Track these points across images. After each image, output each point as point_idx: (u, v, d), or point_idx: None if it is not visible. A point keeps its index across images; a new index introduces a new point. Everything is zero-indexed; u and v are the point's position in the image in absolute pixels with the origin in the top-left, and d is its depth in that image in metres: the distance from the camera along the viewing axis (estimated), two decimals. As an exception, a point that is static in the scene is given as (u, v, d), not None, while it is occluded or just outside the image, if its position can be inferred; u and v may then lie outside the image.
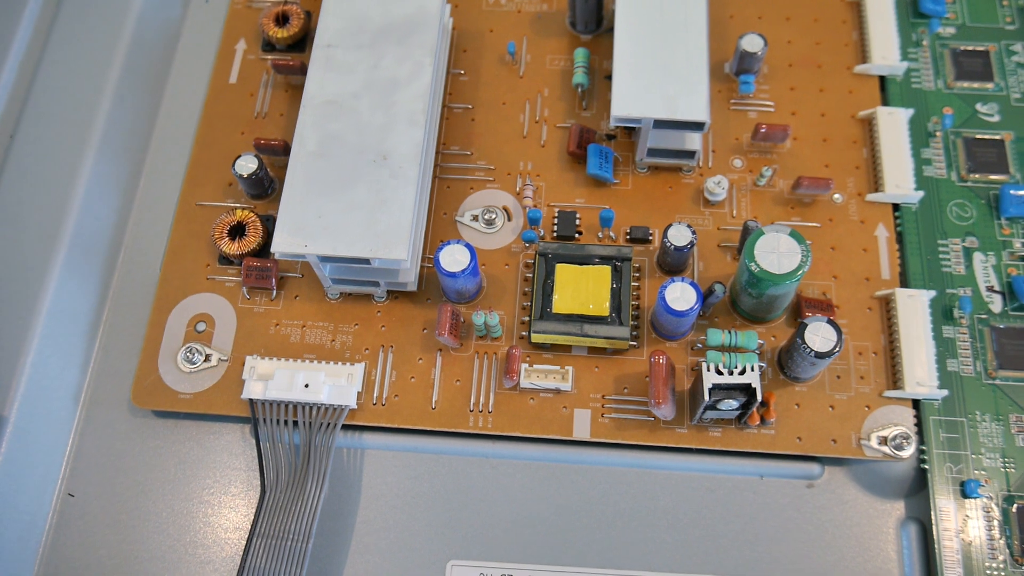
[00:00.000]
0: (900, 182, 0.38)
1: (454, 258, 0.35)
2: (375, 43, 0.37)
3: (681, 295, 0.34)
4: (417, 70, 0.37)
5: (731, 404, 0.33)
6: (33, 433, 0.37)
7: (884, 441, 0.34)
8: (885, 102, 0.40)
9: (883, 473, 0.35)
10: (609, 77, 0.41)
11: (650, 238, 0.38)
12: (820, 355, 0.32)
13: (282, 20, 0.42)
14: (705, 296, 0.35)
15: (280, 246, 0.34)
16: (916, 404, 0.35)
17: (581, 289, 0.35)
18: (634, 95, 0.36)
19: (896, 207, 0.38)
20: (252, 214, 0.38)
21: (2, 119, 0.41)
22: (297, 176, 0.35)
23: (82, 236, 0.40)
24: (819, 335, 0.33)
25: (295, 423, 0.35)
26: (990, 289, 0.37)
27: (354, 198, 0.35)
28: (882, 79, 0.41)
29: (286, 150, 0.39)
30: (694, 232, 0.35)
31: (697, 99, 0.36)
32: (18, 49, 0.43)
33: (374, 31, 0.38)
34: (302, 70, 0.40)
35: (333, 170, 0.35)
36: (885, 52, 0.40)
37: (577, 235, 0.38)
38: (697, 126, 0.36)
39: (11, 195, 0.40)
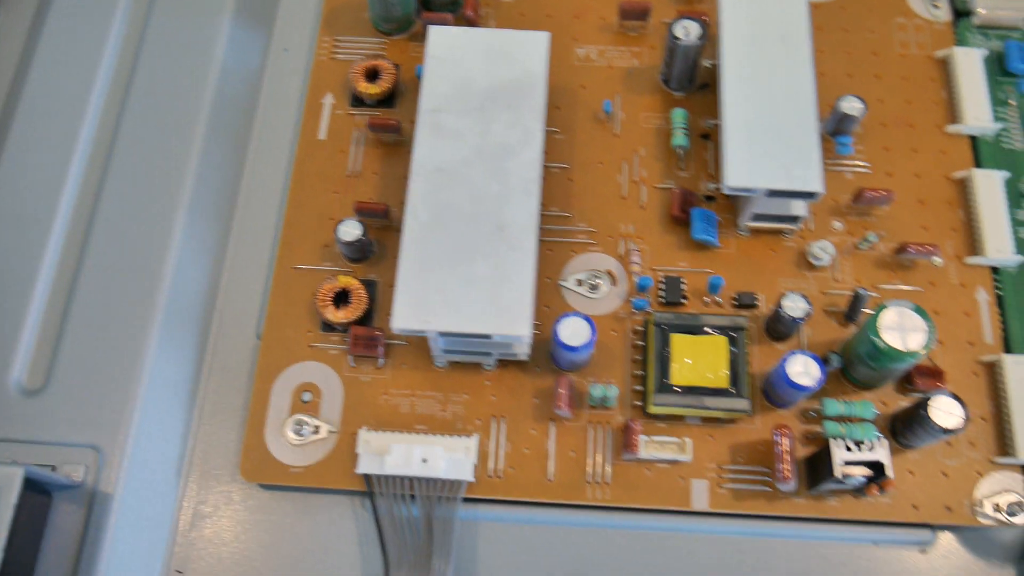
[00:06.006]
0: (1000, 246, 0.38)
1: (574, 331, 0.35)
2: (483, 107, 0.37)
3: (804, 370, 0.34)
4: (527, 136, 0.36)
5: (859, 480, 0.33)
6: (138, 508, 0.36)
7: (998, 508, 0.35)
8: (977, 162, 0.41)
9: (993, 539, 0.36)
10: (705, 136, 0.41)
11: (756, 303, 0.38)
12: (947, 431, 0.33)
13: (373, 75, 0.41)
14: (822, 366, 0.35)
15: (400, 322, 0.34)
16: (1026, 470, 0.36)
17: (699, 360, 0.35)
18: (748, 165, 0.36)
19: (995, 270, 0.39)
20: (356, 280, 0.38)
21: (85, 179, 0.40)
22: (412, 248, 0.35)
23: (177, 302, 0.39)
24: (943, 410, 0.33)
25: (412, 496, 0.35)
26: (1091, 354, 0.37)
27: (473, 271, 0.34)
28: (972, 138, 0.41)
29: (386, 213, 0.38)
30: (810, 303, 0.35)
31: (811, 168, 0.36)
32: (95, 107, 0.41)
33: (481, 95, 0.37)
34: (398, 129, 0.40)
35: (449, 241, 0.35)
36: (978, 113, 0.41)
37: (683, 300, 0.38)
38: (809, 195, 0.36)
39: (103, 259, 0.39)
